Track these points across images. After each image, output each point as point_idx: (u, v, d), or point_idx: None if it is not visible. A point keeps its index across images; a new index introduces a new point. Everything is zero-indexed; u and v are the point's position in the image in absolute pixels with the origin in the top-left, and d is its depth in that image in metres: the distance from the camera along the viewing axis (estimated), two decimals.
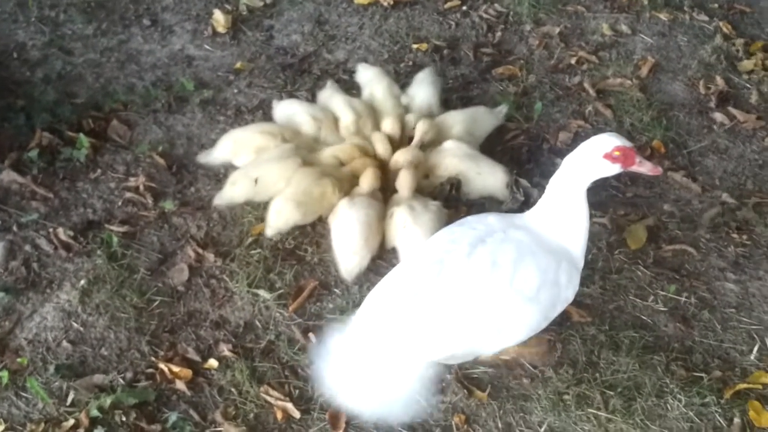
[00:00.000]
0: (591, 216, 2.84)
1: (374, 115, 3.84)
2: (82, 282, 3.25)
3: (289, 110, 3.87)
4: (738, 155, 4.06)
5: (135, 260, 3.36)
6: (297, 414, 2.88)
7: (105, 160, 3.77)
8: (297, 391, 2.96)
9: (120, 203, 3.59)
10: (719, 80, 4.44)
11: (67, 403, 2.88)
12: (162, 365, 2.99)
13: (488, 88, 4.32)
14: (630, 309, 3.30)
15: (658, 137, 4.07)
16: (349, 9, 4.78)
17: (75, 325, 3.13)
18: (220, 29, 4.56)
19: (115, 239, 3.40)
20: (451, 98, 4.16)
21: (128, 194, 3.61)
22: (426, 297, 2.60)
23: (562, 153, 3.27)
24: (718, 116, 4.25)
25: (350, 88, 4.14)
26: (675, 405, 2.97)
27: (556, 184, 2.74)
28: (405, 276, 2.71)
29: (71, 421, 2.81)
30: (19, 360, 2.99)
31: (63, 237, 3.41)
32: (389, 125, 3.73)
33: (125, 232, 3.46)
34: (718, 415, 2.95)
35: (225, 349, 3.06)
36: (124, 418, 2.83)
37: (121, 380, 2.96)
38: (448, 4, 4.84)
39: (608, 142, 2.67)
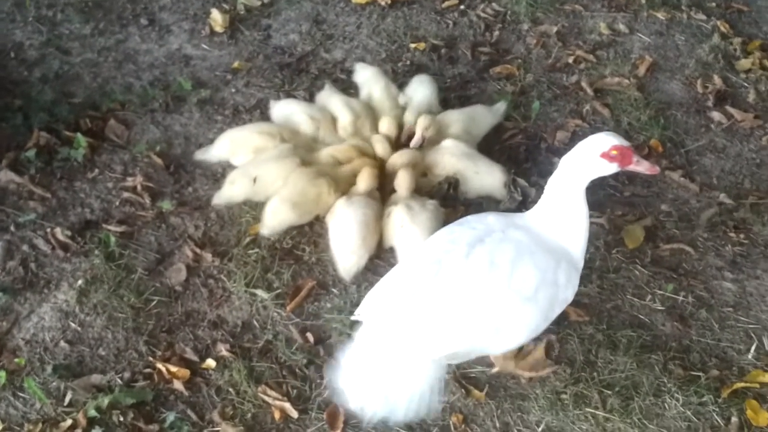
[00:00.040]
0: (589, 216, 2.84)
1: (372, 115, 3.85)
2: (80, 282, 3.25)
3: (286, 110, 3.87)
4: (735, 154, 4.07)
5: (132, 260, 3.36)
6: (295, 414, 2.88)
7: (102, 160, 3.77)
8: (295, 391, 2.96)
9: (117, 203, 3.59)
10: (717, 79, 4.44)
11: (65, 404, 2.88)
12: (160, 365, 2.99)
13: (486, 88, 4.32)
14: (627, 308, 3.30)
15: (655, 136, 4.07)
16: (347, 8, 4.78)
17: (72, 325, 3.13)
18: (218, 28, 4.56)
19: (112, 239, 3.40)
20: (448, 97, 4.16)
21: (126, 194, 3.61)
22: (424, 297, 2.60)
23: (559, 152, 3.27)
24: (716, 115, 4.25)
25: (348, 87, 4.14)
26: (672, 404, 2.97)
27: (554, 184, 2.74)
28: (403, 276, 2.71)
29: (69, 422, 2.81)
30: (16, 360, 2.99)
31: (60, 237, 3.40)
32: (386, 125, 3.73)
33: (123, 231, 3.46)
34: (715, 414, 2.96)
35: (223, 349, 3.06)
36: (121, 418, 2.83)
37: (119, 380, 2.96)
38: (446, 4, 4.84)
39: (605, 141, 2.67)
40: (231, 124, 3.96)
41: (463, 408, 2.95)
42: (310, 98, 4.09)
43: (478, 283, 2.60)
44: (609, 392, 2.99)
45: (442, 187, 3.58)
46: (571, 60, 4.51)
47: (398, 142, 3.73)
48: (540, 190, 2.83)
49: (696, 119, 4.24)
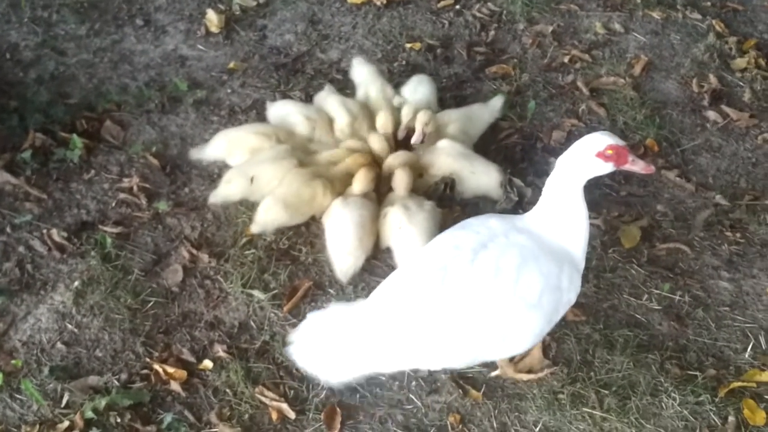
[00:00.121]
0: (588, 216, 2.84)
1: (370, 116, 3.84)
2: (76, 283, 3.24)
3: (282, 110, 3.86)
4: (731, 153, 4.07)
5: (129, 261, 3.36)
6: (292, 414, 2.88)
7: (98, 161, 3.76)
8: (292, 392, 2.96)
9: (114, 204, 3.58)
10: (712, 78, 4.45)
11: (62, 405, 2.88)
12: (157, 366, 2.99)
13: (482, 87, 4.32)
14: (624, 308, 3.31)
15: (651, 136, 4.07)
16: (343, 8, 4.78)
17: (69, 326, 3.12)
18: (214, 29, 4.56)
19: (109, 240, 3.39)
20: (444, 97, 4.16)
21: (122, 195, 3.61)
22: (430, 304, 2.59)
23: (555, 152, 3.27)
24: (711, 114, 4.26)
25: (344, 87, 4.14)
26: (669, 403, 2.97)
27: (552, 185, 2.74)
28: (408, 282, 2.69)
29: (66, 423, 2.81)
30: (13, 362, 2.99)
31: (57, 238, 3.40)
32: (383, 121, 3.72)
33: (119, 233, 3.45)
34: (712, 413, 2.96)
35: (220, 350, 3.06)
36: (119, 420, 2.83)
37: (116, 381, 2.95)
38: (441, 3, 4.84)
39: (601, 140, 2.67)
40: (227, 125, 3.96)
41: (460, 408, 2.95)
42: (306, 99, 4.09)
43: (484, 290, 2.60)
44: (606, 392, 2.99)
45: (438, 188, 3.59)
46: (566, 59, 4.51)
47: (395, 140, 3.73)
48: (536, 189, 2.83)
49: (691, 118, 4.25)
